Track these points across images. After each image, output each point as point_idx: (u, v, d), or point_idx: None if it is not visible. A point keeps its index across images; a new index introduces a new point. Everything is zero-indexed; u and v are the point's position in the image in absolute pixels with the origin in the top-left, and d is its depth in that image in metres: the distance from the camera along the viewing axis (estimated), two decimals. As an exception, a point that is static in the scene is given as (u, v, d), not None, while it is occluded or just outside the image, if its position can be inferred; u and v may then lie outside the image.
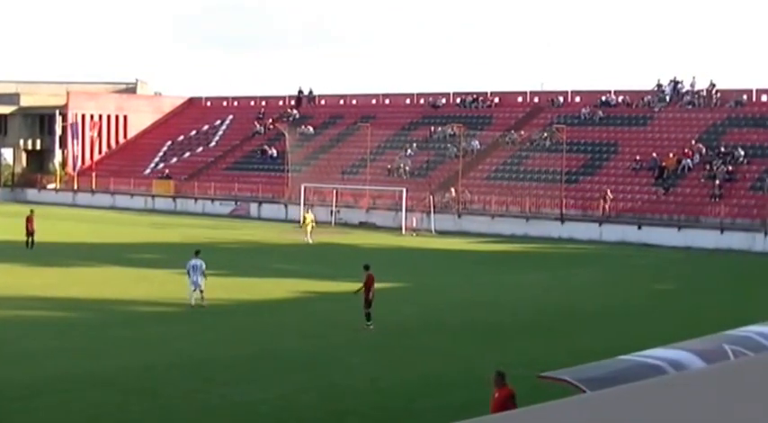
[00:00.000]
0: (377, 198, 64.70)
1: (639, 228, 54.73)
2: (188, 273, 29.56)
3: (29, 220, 44.80)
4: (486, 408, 17.71)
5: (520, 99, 74.18)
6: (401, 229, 57.76)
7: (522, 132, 67.83)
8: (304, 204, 60.83)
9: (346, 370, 21.62)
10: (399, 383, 20.19)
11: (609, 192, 57.89)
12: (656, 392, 4.27)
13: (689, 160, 59.13)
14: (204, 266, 29.38)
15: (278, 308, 29.97)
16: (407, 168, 67.74)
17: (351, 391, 19.73)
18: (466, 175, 64.05)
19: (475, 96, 75.37)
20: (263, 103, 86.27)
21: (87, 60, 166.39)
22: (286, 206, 67.17)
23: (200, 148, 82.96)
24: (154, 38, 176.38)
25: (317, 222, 53.10)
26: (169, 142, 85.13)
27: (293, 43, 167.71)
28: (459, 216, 60.73)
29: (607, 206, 57.15)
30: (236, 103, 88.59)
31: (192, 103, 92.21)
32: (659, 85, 68.38)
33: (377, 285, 26.50)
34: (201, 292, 29.24)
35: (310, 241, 49.71)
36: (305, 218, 52.68)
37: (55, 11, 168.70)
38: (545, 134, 65.83)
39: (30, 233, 44.24)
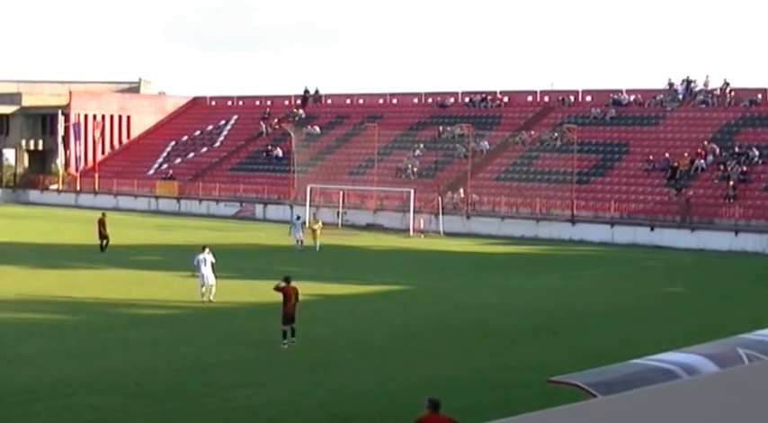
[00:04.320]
0: (384, 199, 64.37)
1: (652, 229, 54.31)
2: (197, 267, 30.30)
3: (101, 223, 44.46)
4: (494, 412, 17.33)
5: (530, 98, 73.79)
6: (409, 230, 57.49)
7: (532, 132, 67.50)
8: (310, 206, 60.35)
9: (352, 374, 21.36)
10: (406, 388, 19.90)
11: (692, 193, 56.12)
12: (667, 397, 4.29)
13: (702, 161, 58.66)
14: (214, 260, 30.28)
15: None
16: (415, 169, 67.45)
17: (356, 396, 19.53)
18: (475, 176, 63.70)
19: (484, 96, 75.01)
20: (269, 102, 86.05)
21: (90, 60, 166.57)
22: (292, 207, 66.83)
23: (205, 149, 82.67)
24: (157, 37, 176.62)
25: (323, 224, 51.47)
26: (173, 143, 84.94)
27: (299, 42, 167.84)
28: (468, 217, 60.39)
29: (692, 209, 54.34)
30: (240, 103, 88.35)
31: (196, 102, 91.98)
32: (671, 84, 68.02)
33: (384, 288, 26.14)
34: (211, 286, 30.09)
35: (317, 248, 47.78)
36: (313, 225, 49.27)
37: (57, 10, 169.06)
38: (555, 134, 65.49)
39: (103, 236, 43.87)
